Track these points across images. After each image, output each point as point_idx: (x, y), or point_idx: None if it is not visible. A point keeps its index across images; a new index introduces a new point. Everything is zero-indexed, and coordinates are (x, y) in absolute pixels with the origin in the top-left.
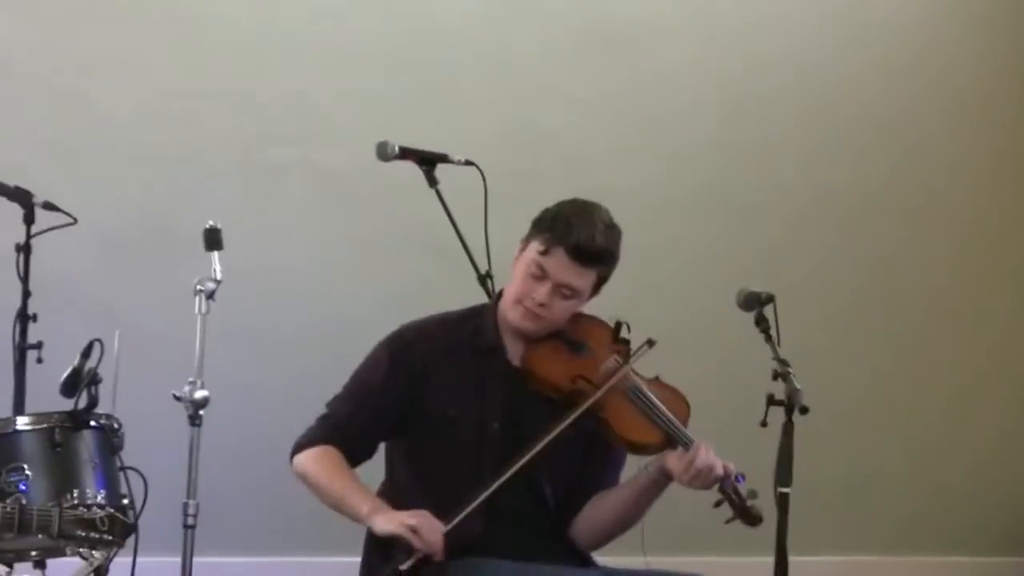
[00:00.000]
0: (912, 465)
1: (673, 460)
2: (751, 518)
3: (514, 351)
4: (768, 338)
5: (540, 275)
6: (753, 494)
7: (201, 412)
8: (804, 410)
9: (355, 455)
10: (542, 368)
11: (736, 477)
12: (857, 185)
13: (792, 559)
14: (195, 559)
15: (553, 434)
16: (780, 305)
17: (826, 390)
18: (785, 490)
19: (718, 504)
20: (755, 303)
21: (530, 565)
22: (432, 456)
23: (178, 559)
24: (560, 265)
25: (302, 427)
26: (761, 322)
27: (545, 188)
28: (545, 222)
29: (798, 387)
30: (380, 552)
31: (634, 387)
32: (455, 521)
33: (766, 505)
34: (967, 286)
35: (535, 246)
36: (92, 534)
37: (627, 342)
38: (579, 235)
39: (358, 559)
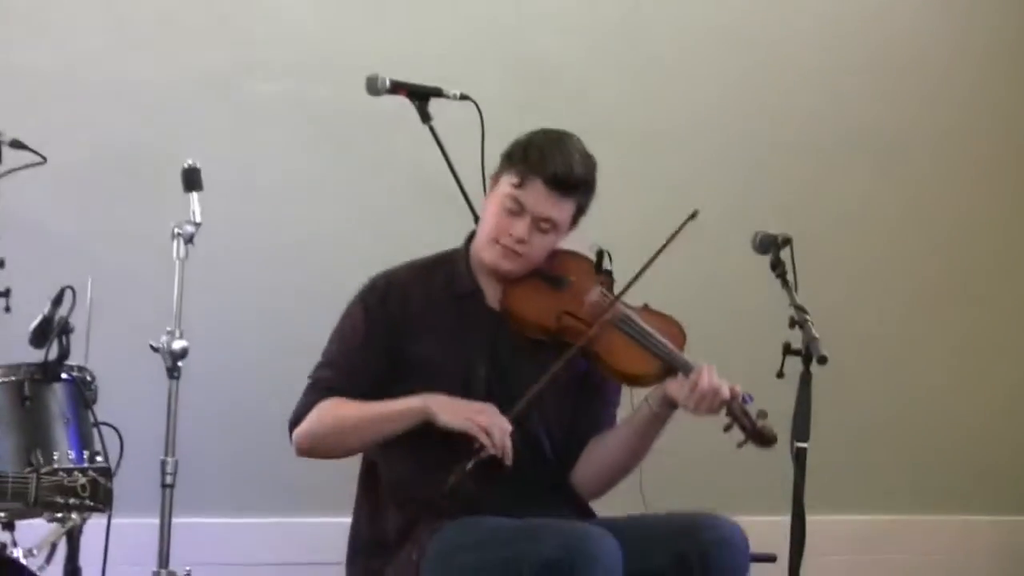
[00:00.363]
0: (935, 421)
1: (675, 387)
2: (764, 439)
3: (492, 295)
4: (784, 283)
5: (517, 210)
6: (763, 414)
7: (180, 364)
8: (823, 360)
9: None
10: (525, 308)
11: (743, 398)
12: (884, 124)
13: (810, 518)
14: (174, 520)
15: (558, 366)
16: (799, 248)
17: (847, 339)
18: (803, 445)
19: (728, 428)
20: (771, 246)
21: (520, 520)
22: None
23: (156, 520)
24: (538, 196)
25: (287, 381)
26: (777, 266)
27: (549, 125)
28: (518, 154)
29: (816, 335)
30: (375, 513)
31: (624, 317)
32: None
33: (782, 461)
34: (996, 230)
35: (508, 179)
36: (72, 500)
37: (609, 272)
38: (556, 164)
39: (347, 519)
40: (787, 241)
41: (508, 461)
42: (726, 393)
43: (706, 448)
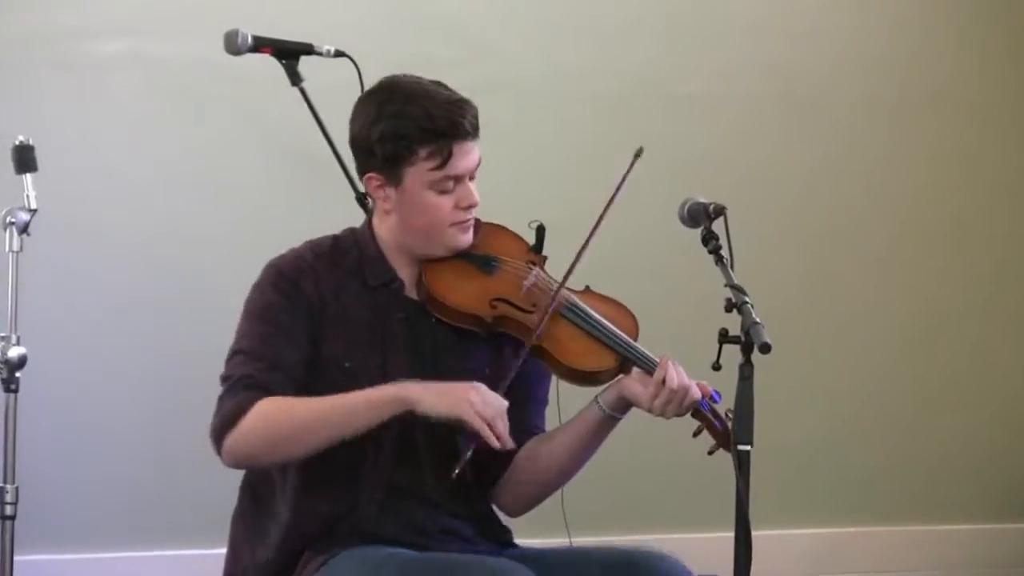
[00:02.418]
0: (898, 419)
1: (636, 386)
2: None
3: (410, 284)
4: (719, 260)
5: (453, 185)
6: (732, 413)
7: (18, 375)
8: (766, 348)
9: None
10: (453, 296)
11: (712, 396)
12: (818, 64)
13: (757, 533)
14: (16, 557)
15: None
16: (734, 218)
17: (794, 324)
18: (745, 448)
19: (697, 433)
20: (702, 216)
21: (429, 555)
22: None
23: None
24: (465, 156)
25: (148, 391)
26: (710, 240)
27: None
28: (414, 137)
29: (757, 320)
30: (254, 541)
31: (570, 304)
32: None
33: (723, 469)
34: (976, 189)
35: (426, 166)
36: None
37: (539, 250)
38: (460, 115)
39: (216, 551)
40: (720, 211)
41: (509, 446)
42: (696, 392)
43: (635, 456)
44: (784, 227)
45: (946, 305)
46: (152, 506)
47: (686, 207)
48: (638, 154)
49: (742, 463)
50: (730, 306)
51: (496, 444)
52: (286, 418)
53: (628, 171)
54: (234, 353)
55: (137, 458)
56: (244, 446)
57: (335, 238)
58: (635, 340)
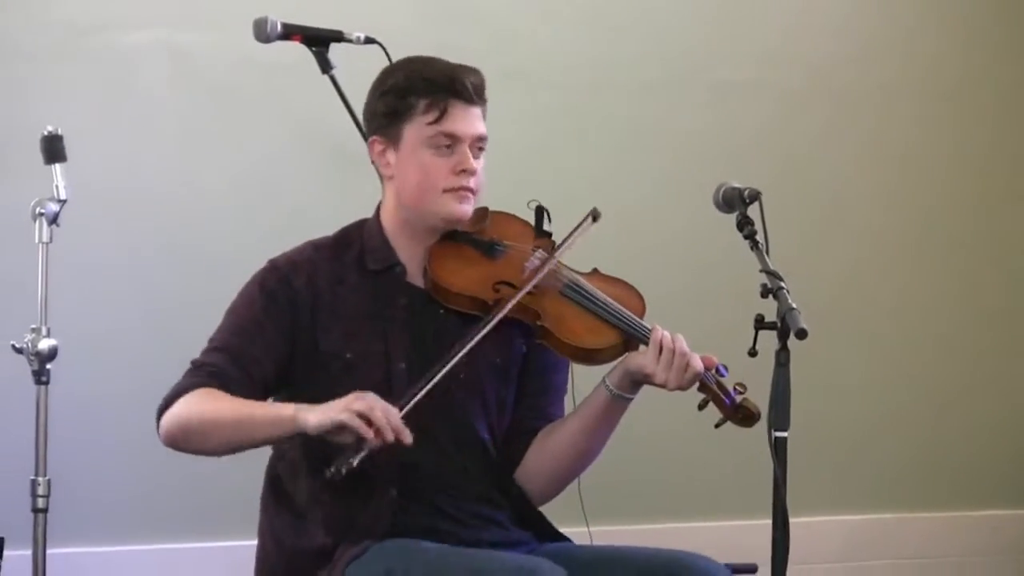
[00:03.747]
0: (934, 404)
1: (640, 360)
2: (746, 415)
3: (414, 269)
4: (755, 245)
5: (449, 144)
6: (742, 387)
7: (48, 367)
8: (802, 334)
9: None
10: (454, 279)
11: (718, 369)
12: (862, 57)
13: (794, 520)
14: (49, 551)
15: (487, 328)
16: (770, 204)
17: (831, 312)
18: (782, 435)
19: (703, 405)
20: (737, 201)
21: (460, 551)
22: None
23: (28, 551)
24: (465, 117)
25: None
26: (745, 226)
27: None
28: (413, 89)
29: (793, 306)
30: (279, 533)
31: (570, 283)
32: (409, 405)
33: (760, 455)
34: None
35: (421, 120)
36: None
37: (549, 235)
38: (460, 75)
39: (247, 543)
40: (755, 196)
41: (406, 439)
42: (698, 362)
43: (669, 443)
44: (824, 216)
45: (983, 293)
46: (183, 498)
47: (720, 192)
48: (595, 217)
49: (779, 450)
50: (766, 292)
51: (387, 438)
52: (208, 410)
53: (577, 227)
54: (208, 341)
55: (168, 450)
56: (172, 426)
57: (343, 229)
58: (642, 319)
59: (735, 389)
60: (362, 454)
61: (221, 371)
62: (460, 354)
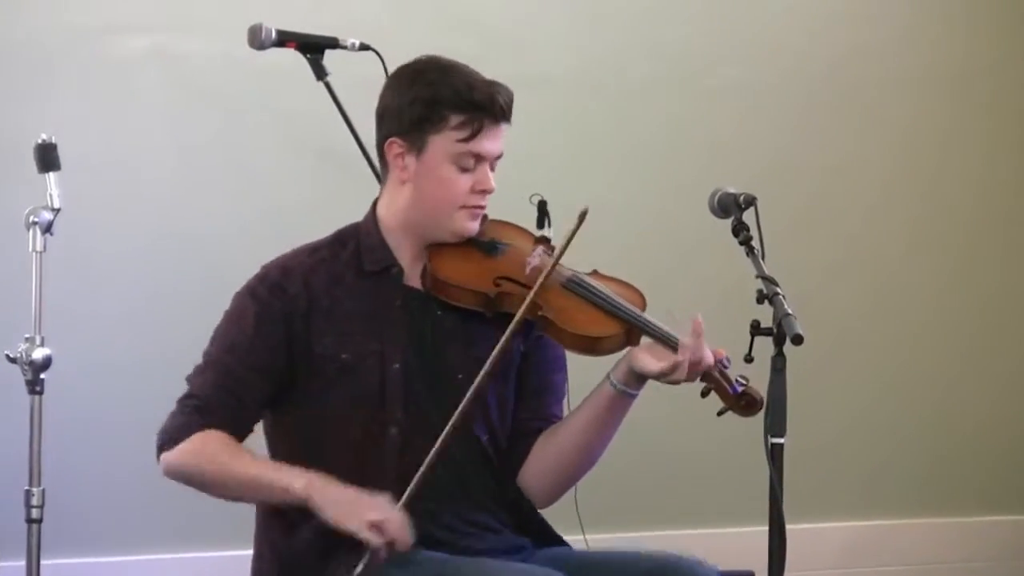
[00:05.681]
0: (932, 409)
1: (649, 357)
2: (750, 401)
3: (413, 271)
4: (750, 251)
5: (473, 164)
6: (744, 379)
7: (43, 376)
8: (798, 340)
9: (238, 433)
10: (456, 275)
11: (722, 361)
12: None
13: (790, 527)
14: (43, 561)
15: (496, 353)
16: (764, 209)
17: (826, 315)
18: (778, 441)
19: (706, 393)
20: (732, 207)
21: (459, 561)
22: (327, 417)
23: (22, 562)
24: (493, 138)
25: (174, 394)
26: (740, 231)
27: None
28: (447, 102)
29: (789, 311)
30: (282, 542)
31: (572, 278)
32: (405, 497)
33: (756, 462)
34: (1003, 176)
35: (452, 136)
36: None
37: (548, 240)
38: (496, 93)
39: (242, 552)
40: (751, 201)
41: (405, 550)
42: (710, 358)
43: (665, 450)
44: (819, 219)
45: (977, 293)
46: (177, 508)
47: (716, 198)
48: (584, 214)
49: (775, 456)
50: (761, 297)
51: (387, 551)
52: (213, 470)
53: (575, 230)
54: (202, 356)
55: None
56: (175, 469)
57: (338, 232)
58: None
59: (738, 380)
60: (364, 561)
61: (212, 407)
62: (466, 400)
